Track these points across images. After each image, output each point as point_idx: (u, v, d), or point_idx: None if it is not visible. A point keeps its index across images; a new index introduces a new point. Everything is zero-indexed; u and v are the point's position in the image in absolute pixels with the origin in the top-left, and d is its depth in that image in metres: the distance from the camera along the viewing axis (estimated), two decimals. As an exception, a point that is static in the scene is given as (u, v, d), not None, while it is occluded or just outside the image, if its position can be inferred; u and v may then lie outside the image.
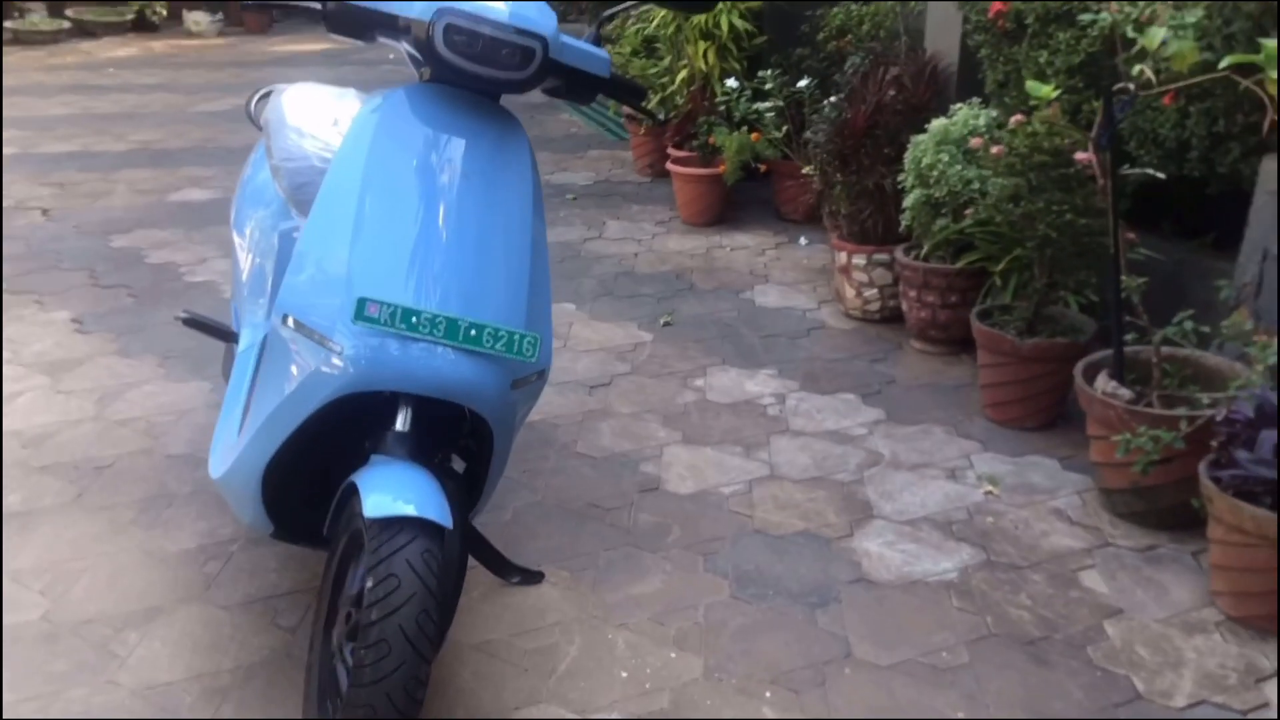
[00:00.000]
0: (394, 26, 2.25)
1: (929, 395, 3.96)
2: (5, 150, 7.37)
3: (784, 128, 5.31)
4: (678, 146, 6.06)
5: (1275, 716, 2.42)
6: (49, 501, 3.19)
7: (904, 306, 4.31)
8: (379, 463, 2.17)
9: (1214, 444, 2.79)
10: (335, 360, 2.09)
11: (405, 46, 2.32)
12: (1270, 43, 2.68)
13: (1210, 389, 3.07)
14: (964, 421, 3.75)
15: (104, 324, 4.50)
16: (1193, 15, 2.98)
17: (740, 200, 6.13)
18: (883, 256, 4.48)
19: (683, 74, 6.08)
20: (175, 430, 3.61)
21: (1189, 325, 3.07)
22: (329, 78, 5.29)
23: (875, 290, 4.52)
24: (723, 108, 5.63)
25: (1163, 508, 3.09)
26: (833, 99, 4.72)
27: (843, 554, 3.01)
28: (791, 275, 5.17)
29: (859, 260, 4.51)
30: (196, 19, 14.23)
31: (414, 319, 2.09)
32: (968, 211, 3.96)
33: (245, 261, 2.99)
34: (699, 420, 3.75)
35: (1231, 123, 3.47)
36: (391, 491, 2.06)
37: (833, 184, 4.46)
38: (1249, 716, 2.43)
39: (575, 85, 2.40)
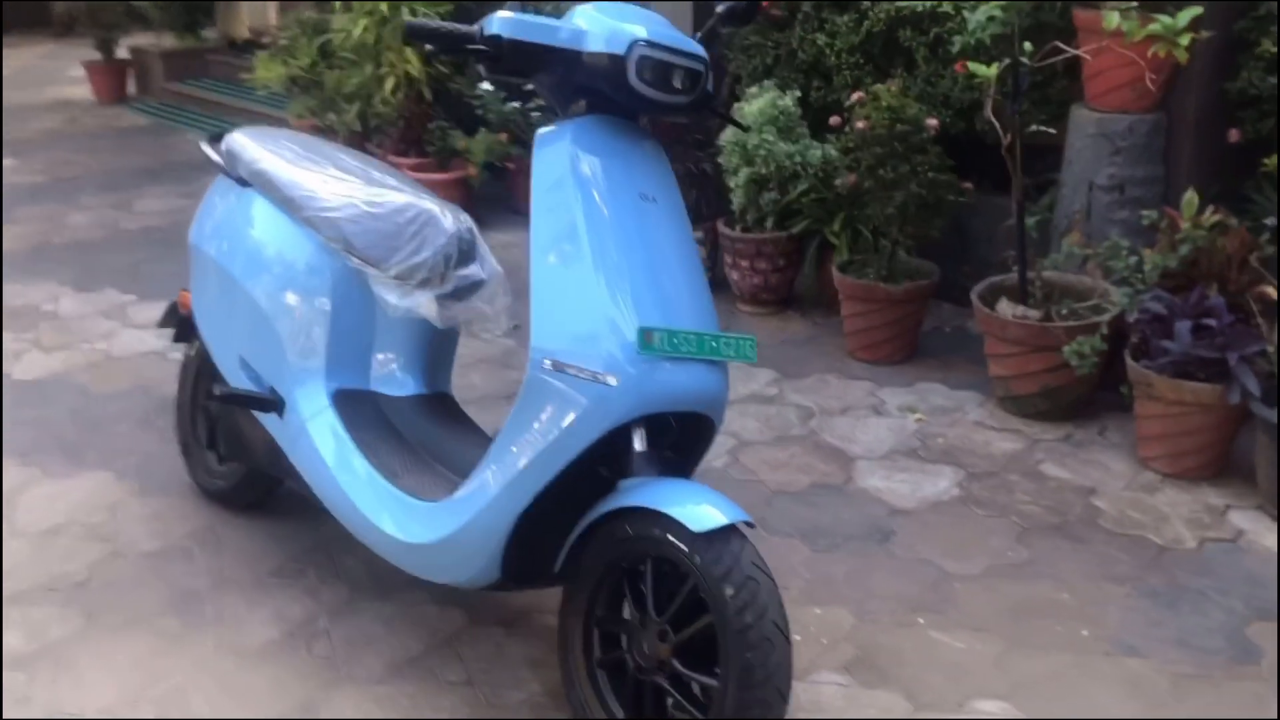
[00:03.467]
0: (567, 63, 2.25)
1: (796, 350, 4.39)
2: None
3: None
4: (401, 155, 5.99)
5: (1231, 539, 3.11)
6: (56, 634, 2.76)
7: (733, 276, 4.70)
8: (645, 484, 2.21)
9: (1133, 339, 3.46)
10: (611, 393, 2.12)
11: (548, 82, 2.33)
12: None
13: (1079, 300, 3.75)
14: (842, 366, 4.23)
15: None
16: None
17: (487, 196, 6.11)
18: (698, 235, 4.82)
19: (390, 82, 6.00)
20: (116, 525, 3.21)
21: (1076, 250, 3.72)
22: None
23: (693, 266, 4.86)
24: (480, 111, 5.66)
25: (1065, 403, 3.74)
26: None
27: (861, 495, 3.37)
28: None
29: (676, 240, 4.82)
30: None
31: (676, 340, 2.17)
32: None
33: (283, 326, 2.75)
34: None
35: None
36: (695, 505, 2.14)
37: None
38: (1234, 540, 3.10)
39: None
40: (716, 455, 3.56)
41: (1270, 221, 3.63)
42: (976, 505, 3.30)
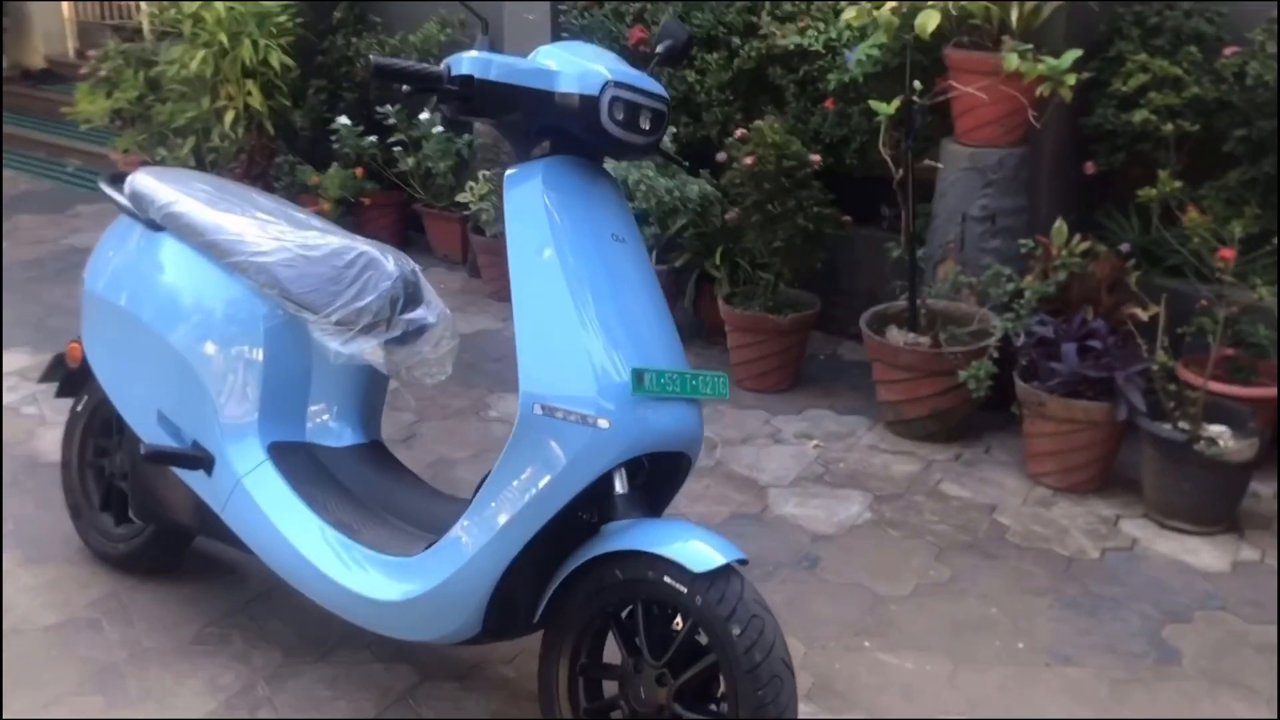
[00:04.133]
0: (538, 104, 2.23)
1: (683, 382, 4.41)
2: None
3: (410, 159, 5.34)
4: (244, 191, 5.75)
5: (1128, 548, 3.31)
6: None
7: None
8: (633, 526, 2.20)
9: (1022, 361, 3.64)
10: (603, 435, 2.11)
11: (512, 123, 2.30)
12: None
13: (960, 326, 3.93)
14: (733, 397, 4.28)
15: None
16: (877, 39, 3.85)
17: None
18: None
19: (230, 115, 5.77)
20: (8, 599, 2.96)
21: (961, 280, 3.90)
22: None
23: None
24: (336, 145, 5.49)
25: (952, 425, 3.91)
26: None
27: (780, 523, 3.42)
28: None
29: (552, 275, 4.80)
30: None
31: (663, 380, 2.17)
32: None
33: (209, 377, 2.60)
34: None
35: (889, 119, 4.37)
36: (689, 545, 2.14)
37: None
38: (1130, 549, 3.30)
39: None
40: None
41: (1124, 247, 3.89)
42: (891, 527, 3.40)
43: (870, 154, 4.49)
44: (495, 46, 5.54)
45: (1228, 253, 3.30)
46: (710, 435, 3.95)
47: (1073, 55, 3.46)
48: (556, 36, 5.31)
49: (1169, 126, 3.85)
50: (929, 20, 3.52)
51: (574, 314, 2.16)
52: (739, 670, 2.05)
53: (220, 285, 2.63)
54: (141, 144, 6.20)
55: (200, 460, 2.61)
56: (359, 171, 5.53)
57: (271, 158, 5.73)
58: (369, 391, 2.77)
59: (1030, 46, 3.56)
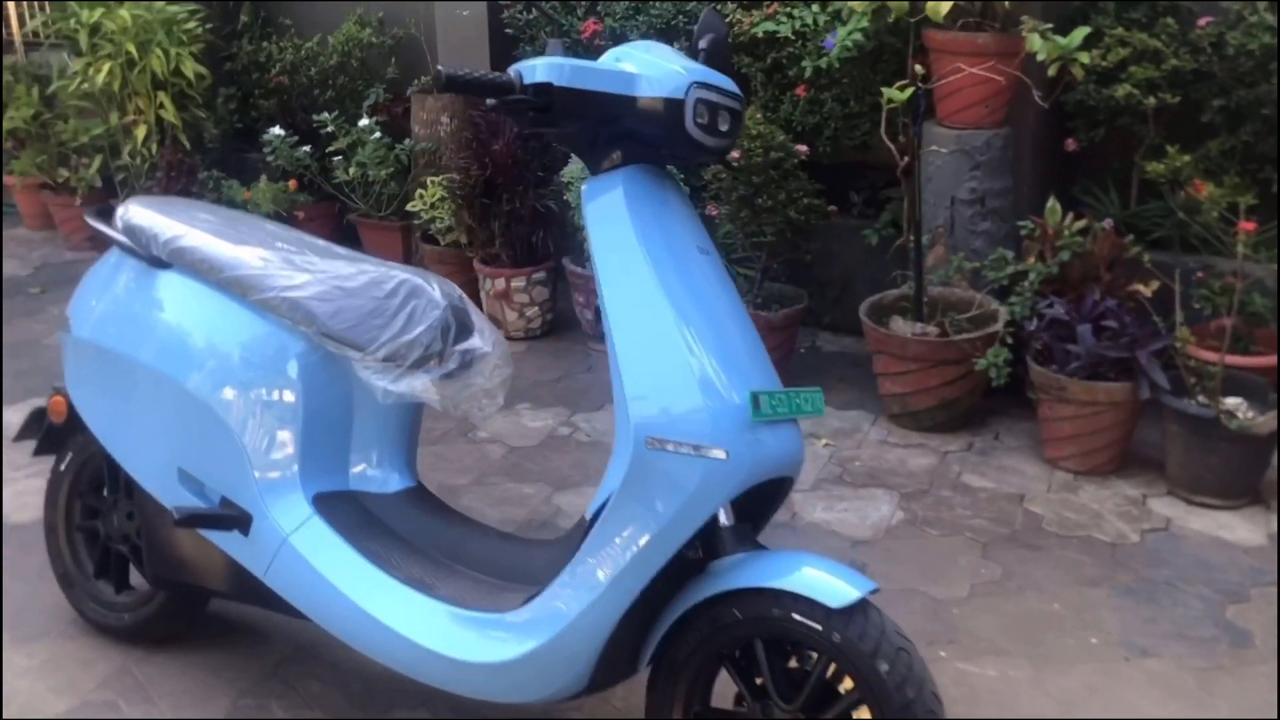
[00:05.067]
0: (617, 110, 2.05)
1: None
2: None
3: (350, 170, 5.05)
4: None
5: (1164, 528, 3.29)
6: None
7: (588, 315, 4.53)
8: (747, 561, 2.05)
9: (1036, 345, 3.59)
10: (722, 467, 1.95)
11: (583, 132, 2.12)
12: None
13: (960, 312, 3.86)
14: (725, 398, 4.16)
15: None
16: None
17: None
18: (541, 275, 4.63)
19: (141, 131, 5.39)
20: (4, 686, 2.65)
21: (965, 265, 3.82)
22: None
23: (536, 308, 4.67)
24: (270, 158, 5.15)
25: (960, 414, 3.85)
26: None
27: (813, 529, 3.30)
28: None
29: (519, 283, 4.61)
30: None
31: (775, 401, 2.03)
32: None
33: (241, 427, 2.35)
34: (547, 466, 3.68)
35: (861, 103, 4.29)
36: (818, 579, 2.00)
37: (495, 215, 4.47)
38: (1166, 529, 3.28)
39: None
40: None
41: (1108, 223, 3.88)
42: (927, 526, 3.31)
43: (843, 140, 4.41)
44: (428, 47, 5.30)
45: (1249, 225, 3.28)
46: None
47: (1082, 32, 3.40)
48: (497, 34, 5.09)
49: (1150, 99, 3.84)
50: (941, 5, 3.43)
51: (680, 336, 1.99)
52: (891, 709, 1.91)
53: (246, 324, 2.39)
54: (41, 165, 5.78)
55: (236, 520, 2.36)
56: (292, 184, 5.22)
57: (193, 174, 5.37)
58: (411, 431, 2.55)
59: (1050, 25, 3.49)
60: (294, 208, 5.24)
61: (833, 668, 2.00)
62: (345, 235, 5.59)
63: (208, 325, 2.42)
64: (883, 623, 1.97)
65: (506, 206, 4.45)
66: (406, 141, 5.07)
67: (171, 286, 2.47)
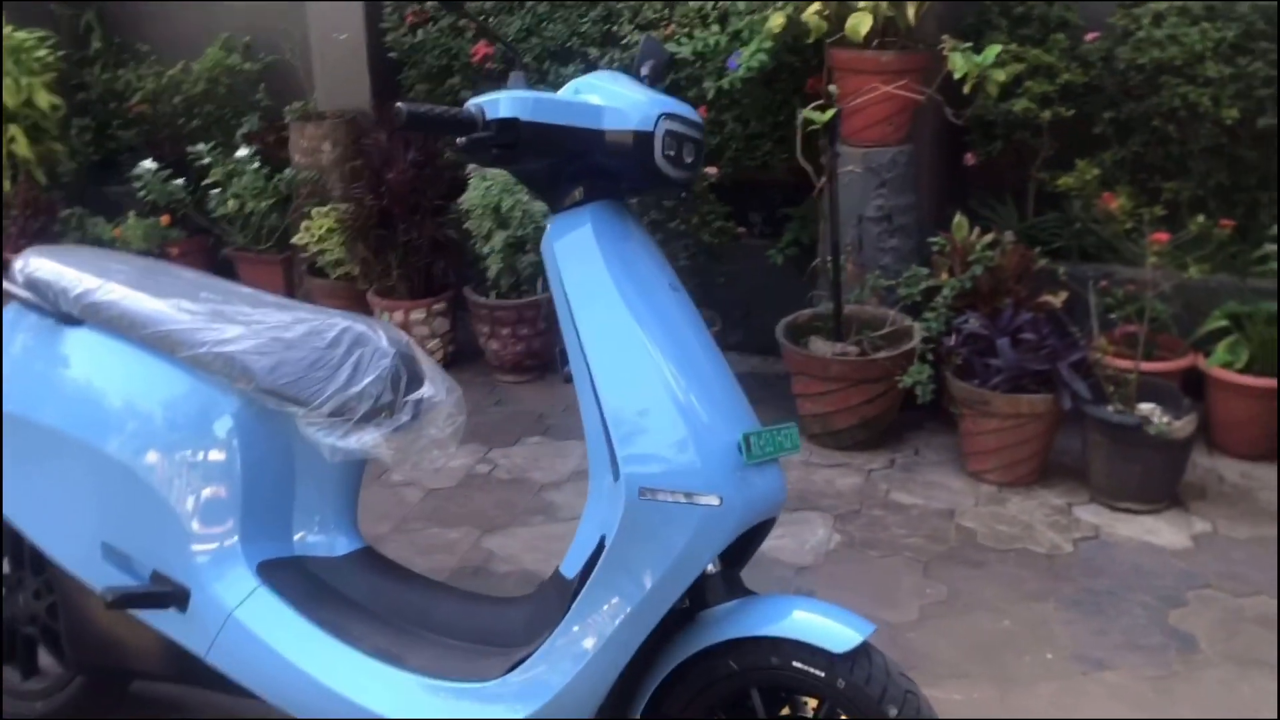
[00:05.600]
0: (584, 144, 1.96)
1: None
2: None
3: (231, 201, 4.78)
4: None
5: (1094, 536, 3.35)
6: None
7: (493, 346, 4.39)
8: (740, 608, 1.97)
9: (956, 360, 3.61)
10: (716, 514, 1.88)
11: (545, 168, 2.02)
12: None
13: (874, 330, 3.87)
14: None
15: None
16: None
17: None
18: (441, 305, 4.47)
19: (-10, 168, 5.04)
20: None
21: (880, 283, 3.82)
22: None
23: (437, 339, 4.51)
24: (142, 192, 4.85)
25: (880, 431, 3.85)
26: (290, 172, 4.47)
27: (757, 557, 3.23)
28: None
29: (418, 315, 4.44)
30: None
31: (762, 441, 1.96)
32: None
33: (172, 493, 2.17)
34: (470, 507, 3.53)
35: (762, 123, 4.27)
36: (817, 623, 1.93)
37: (391, 246, 4.30)
38: (1096, 537, 3.33)
39: None
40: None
41: (1008, 235, 3.94)
42: (866, 547, 3.29)
43: (743, 161, 4.39)
44: (305, 73, 5.09)
45: (1162, 236, 3.36)
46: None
47: (995, 50, 3.44)
48: (378, 57, 4.92)
49: (1046, 113, 3.92)
50: (861, 23, 3.42)
51: (666, 381, 1.90)
52: (902, 752, 1.86)
53: (170, 382, 2.20)
54: (-127, 209, 5.33)
55: (172, 596, 2.16)
56: (164, 219, 4.93)
57: (53, 211, 5.03)
58: (355, 489, 2.39)
59: (970, 44, 3.52)
60: (166, 244, 4.94)
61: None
62: (220, 270, 5.31)
63: (127, 385, 2.22)
64: (886, 665, 1.91)
65: (404, 237, 4.28)
66: (288, 171, 4.84)
67: (83, 345, 2.26)
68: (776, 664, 1.91)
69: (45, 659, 2.57)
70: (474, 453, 3.90)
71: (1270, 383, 3.58)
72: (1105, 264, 4.00)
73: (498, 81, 4.43)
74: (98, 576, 2.23)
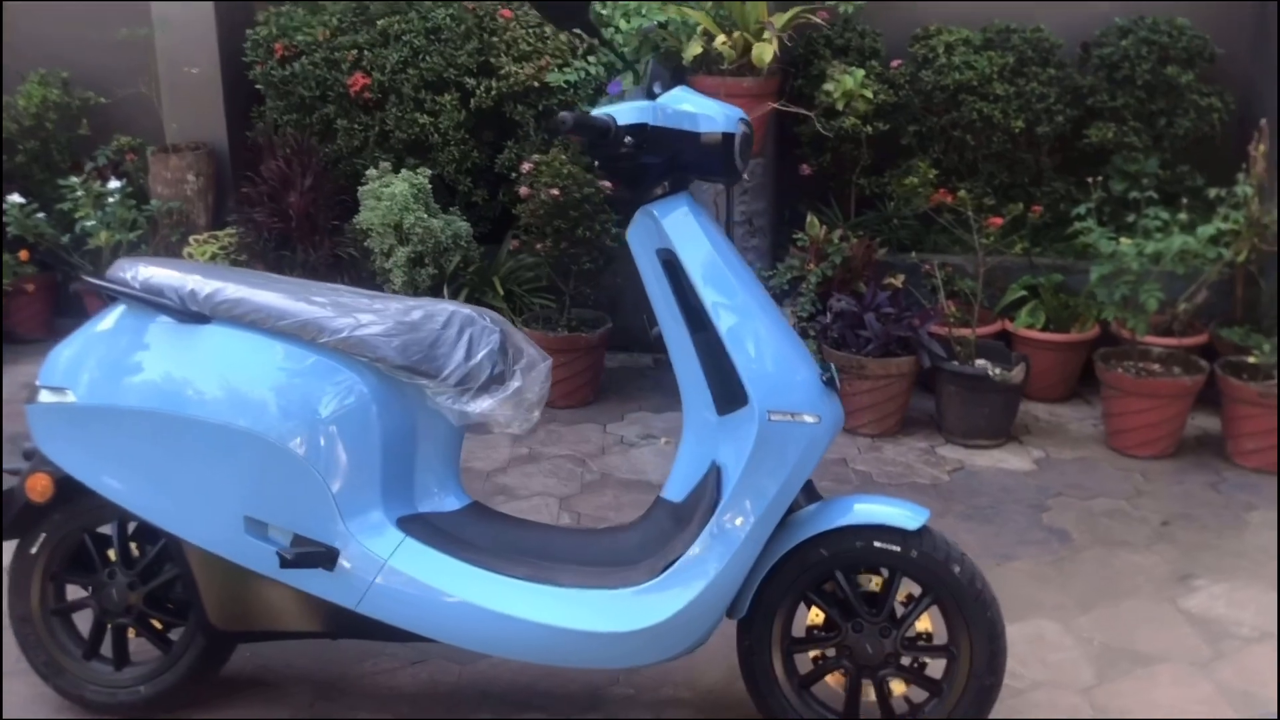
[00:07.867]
0: (683, 145, 2.42)
1: (493, 413, 4.54)
2: None
3: (103, 233, 4.77)
4: None
5: (961, 467, 4.10)
6: None
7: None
8: (827, 507, 2.47)
9: (832, 334, 4.28)
10: (818, 429, 2.40)
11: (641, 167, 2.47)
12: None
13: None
14: (554, 415, 4.49)
15: None
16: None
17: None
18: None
19: None
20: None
21: (761, 275, 4.43)
22: None
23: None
24: (12, 227, 4.74)
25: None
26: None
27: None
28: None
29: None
30: None
31: (832, 372, 2.51)
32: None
33: (322, 465, 2.44)
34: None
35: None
36: (887, 511, 2.48)
37: (291, 267, 4.50)
38: (963, 468, 4.08)
39: None
40: (556, 514, 3.70)
41: (839, 232, 4.68)
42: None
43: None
44: (155, 103, 5.17)
45: (997, 220, 4.17)
46: (568, 452, 4.17)
47: (860, 74, 4.14)
48: (235, 89, 5.09)
49: (868, 128, 4.68)
50: (764, 52, 4.01)
51: (772, 327, 2.40)
52: (969, 601, 2.43)
53: (311, 365, 2.48)
54: None
55: (325, 556, 2.44)
56: (23, 254, 4.87)
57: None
58: (459, 451, 2.73)
59: (855, 66, 4.19)
60: (20, 280, 4.87)
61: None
62: (70, 308, 5.21)
63: (266, 371, 2.47)
64: (944, 537, 2.49)
65: (304, 257, 4.50)
66: (154, 202, 4.90)
67: (218, 339, 2.49)
68: (860, 546, 2.44)
69: (136, 650, 2.73)
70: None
71: (1065, 337, 4.47)
72: (924, 252, 4.80)
73: (374, 110, 4.73)
74: (238, 548, 2.47)
